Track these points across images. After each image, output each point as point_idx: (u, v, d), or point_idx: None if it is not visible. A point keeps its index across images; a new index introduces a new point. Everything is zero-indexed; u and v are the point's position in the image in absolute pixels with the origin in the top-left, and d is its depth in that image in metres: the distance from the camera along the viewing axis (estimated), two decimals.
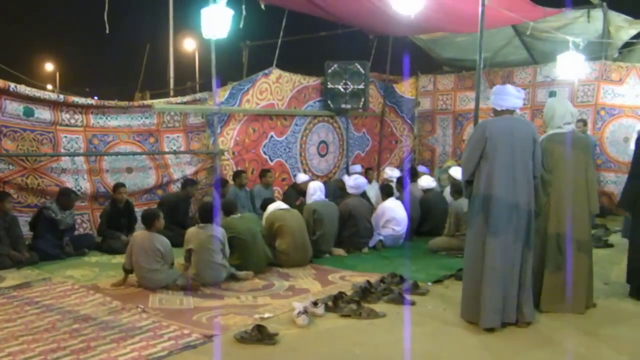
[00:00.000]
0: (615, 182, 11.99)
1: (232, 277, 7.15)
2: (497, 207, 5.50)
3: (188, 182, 9.78)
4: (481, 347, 5.20)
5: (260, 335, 5.18)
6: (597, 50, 12.36)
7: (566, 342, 5.34)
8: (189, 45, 30.14)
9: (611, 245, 9.29)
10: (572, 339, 5.41)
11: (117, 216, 9.11)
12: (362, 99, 12.47)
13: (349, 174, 11.83)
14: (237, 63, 13.73)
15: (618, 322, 5.86)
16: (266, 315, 5.86)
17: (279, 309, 6.08)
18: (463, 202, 8.61)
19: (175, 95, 16.57)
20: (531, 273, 5.70)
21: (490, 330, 5.45)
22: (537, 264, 5.90)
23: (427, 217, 10.22)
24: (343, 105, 12.52)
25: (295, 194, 10.81)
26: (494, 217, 5.50)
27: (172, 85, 21.04)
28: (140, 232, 7.09)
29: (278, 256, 7.96)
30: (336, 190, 11.21)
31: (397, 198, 9.90)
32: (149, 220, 7.05)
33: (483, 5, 7.47)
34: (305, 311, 5.74)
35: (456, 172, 10.12)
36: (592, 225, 6.34)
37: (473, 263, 5.66)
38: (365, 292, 6.49)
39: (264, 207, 8.72)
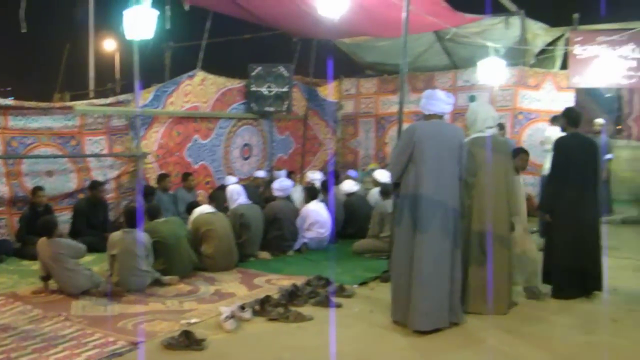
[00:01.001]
0: (533, 184, 12.34)
1: (157, 283, 7.06)
2: (425, 211, 5.61)
3: (94, 185, 9.50)
4: (409, 348, 5.31)
5: (188, 340, 5.14)
6: (515, 57, 12.72)
7: (490, 340, 5.51)
8: (109, 45, 29.50)
9: None
10: (496, 337, 5.58)
11: (37, 221, 8.84)
12: (286, 102, 12.49)
13: (273, 178, 11.81)
14: (159, 65, 13.53)
15: (538, 320, 6.09)
16: (193, 320, 5.81)
17: (206, 314, 6.04)
18: (388, 203, 8.74)
19: (95, 97, 16.27)
20: (459, 277, 5.85)
21: (419, 331, 5.55)
22: (462, 266, 6.05)
23: (351, 220, 10.30)
24: (267, 108, 12.51)
25: (223, 196, 10.71)
26: (422, 221, 5.61)
27: (92, 87, 20.62)
28: (41, 241, 6.88)
29: (204, 260, 7.90)
30: (254, 190, 11.14)
31: (322, 201, 9.97)
32: (47, 230, 6.89)
33: (407, 11, 7.58)
34: (232, 315, 5.73)
35: (380, 175, 10.25)
36: (512, 226, 6.56)
37: (402, 266, 5.75)
38: (292, 296, 6.51)
39: (189, 210, 8.64)
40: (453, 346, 5.36)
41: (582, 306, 6.59)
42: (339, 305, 6.40)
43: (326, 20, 8.89)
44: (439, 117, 5.97)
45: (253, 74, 12.39)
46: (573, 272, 6.70)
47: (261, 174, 12.13)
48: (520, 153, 7.05)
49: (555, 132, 9.91)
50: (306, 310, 6.19)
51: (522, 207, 6.85)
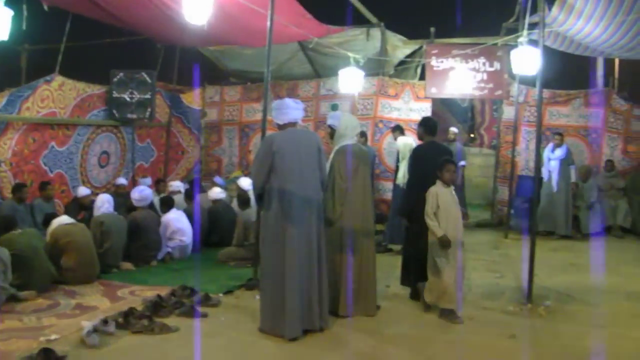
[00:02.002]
0: (392, 191, 12.73)
1: (13, 298, 6.73)
2: (291, 220, 5.72)
3: None
4: (277, 355, 5.40)
5: (47, 358, 4.97)
6: (376, 67, 13.10)
7: (357, 343, 5.72)
8: None
9: (390, 250, 9.88)
10: (362, 340, 5.79)
11: None
12: (149, 109, 12.27)
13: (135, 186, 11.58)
14: (14, 68, 12.96)
15: (399, 321, 6.37)
16: (53, 336, 5.61)
17: (67, 329, 5.83)
18: (250, 212, 8.81)
19: None
20: (327, 281, 6.00)
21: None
22: (332, 271, 6.25)
23: (215, 228, 10.27)
24: (129, 115, 12.22)
25: (77, 208, 10.37)
26: (290, 231, 5.71)
27: None
28: None
29: (64, 273, 7.61)
30: (117, 199, 10.85)
31: (186, 209, 9.88)
32: None
33: (271, 20, 7.67)
34: (94, 330, 5.59)
35: (244, 183, 10.28)
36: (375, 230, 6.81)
37: (271, 277, 5.82)
38: (157, 307, 6.43)
39: (46, 222, 8.29)
40: (321, 350, 5.50)
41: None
42: (204, 315, 6.38)
43: (192, 28, 8.82)
44: (293, 124, 6.10)
45: (115, 79, 12.09)
46: None
47: (122, 181, 11.84)
48: (445, 164, 6.57)
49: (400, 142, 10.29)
50: (171, 321, 6.13)
51: (458, 220, 6.72)
